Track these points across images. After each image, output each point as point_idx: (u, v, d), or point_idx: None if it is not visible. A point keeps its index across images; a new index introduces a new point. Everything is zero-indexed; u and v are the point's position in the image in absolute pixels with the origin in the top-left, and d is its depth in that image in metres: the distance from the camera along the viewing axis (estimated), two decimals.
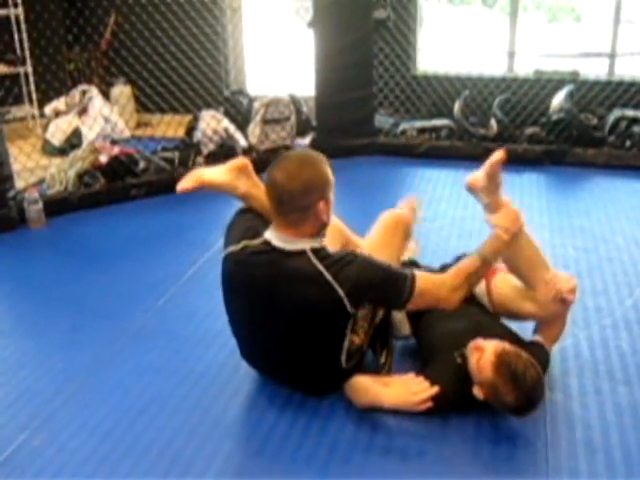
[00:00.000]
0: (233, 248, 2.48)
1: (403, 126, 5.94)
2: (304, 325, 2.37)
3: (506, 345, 2.36)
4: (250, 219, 2.58)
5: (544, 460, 2.27)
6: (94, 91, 6.00)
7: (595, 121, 5.77)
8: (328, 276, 2.27)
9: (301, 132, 5.79)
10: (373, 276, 2.32)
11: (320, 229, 2.36)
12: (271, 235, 2.37)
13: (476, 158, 5.61)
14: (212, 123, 5.24)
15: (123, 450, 2.33)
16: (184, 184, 2.64)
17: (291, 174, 2.26)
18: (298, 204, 2.26)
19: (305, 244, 2.32)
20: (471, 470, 2.25)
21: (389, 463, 2.27)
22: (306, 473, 2.23)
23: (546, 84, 5.96)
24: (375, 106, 5.97)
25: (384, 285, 2.34)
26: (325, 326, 2.37)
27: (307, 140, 5.74)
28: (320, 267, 2.28)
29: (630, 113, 5.70)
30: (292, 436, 2.39)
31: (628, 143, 5.56)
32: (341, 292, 2.27)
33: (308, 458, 2.29)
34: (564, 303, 2.54)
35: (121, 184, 4.83)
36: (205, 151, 5.23)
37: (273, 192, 2.30)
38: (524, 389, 2.26)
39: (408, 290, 2.32)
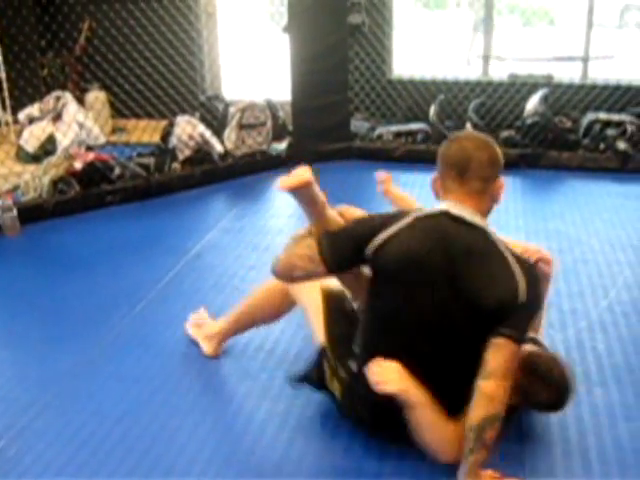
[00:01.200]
0: (398, 226, 2.18)
1: (379, 130, 5.95)
2: (477, 313, 2.11)
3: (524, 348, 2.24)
4: (366, 219, 2.36)
5: (520, 461, 2.28)
6: (68, 97, 5.95)
7: (569, 124, 5.82)
8: (510, 259, 2.12)
9: (277, 137, 5.78)
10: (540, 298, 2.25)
11: (491, 209, 2.26)
12: (448, 205, 2.21)
13: None
14: (187, 128, 5.23)
15: (100, 459, 2.31)
16: (290, 182, 2.35)
17: (480, 144, 2.23)
18: (483, 173, 2.19)
19: (482, 222, 2.20)
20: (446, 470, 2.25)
21: None
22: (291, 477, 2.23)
23: (520, 88, 6.01)
24: (351, 110, 5.98)
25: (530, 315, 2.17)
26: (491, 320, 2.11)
27: (284, 145, 5.73)
28: (501, 247, 2.16)
29: (603, 116, 5.76)
30: (279, 441, 2.39)
31: (602, 146, 5.61)
32: (521, 283, 2.08)
33: (298, 460, 2.30)
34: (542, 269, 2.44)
35: (96, 190, 4.79)
36: (181, 157, 5.21)
37: (460, 158, 2.20)
38: (554, 384, 2.28)
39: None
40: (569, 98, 5.95)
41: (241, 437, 2.43)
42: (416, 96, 6.20)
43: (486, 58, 6.58)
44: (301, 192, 2.30)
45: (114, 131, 6.53)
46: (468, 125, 5.82)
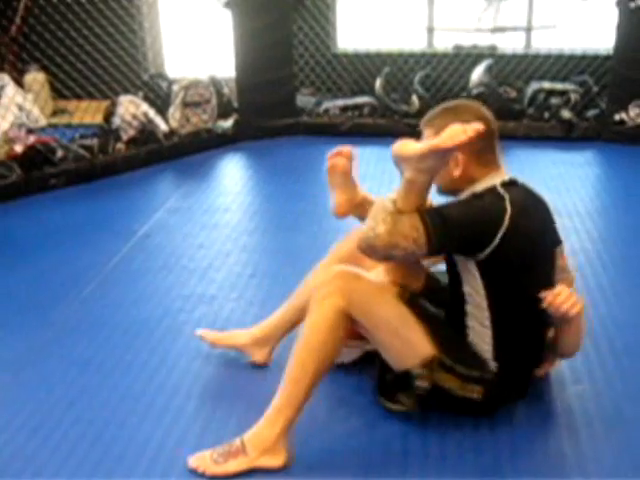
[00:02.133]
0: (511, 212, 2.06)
1: (325, 105, 5.92)
2: None
3: None
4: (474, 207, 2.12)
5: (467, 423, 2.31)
6: (5, 78, 5.79)
7: (514, 94, 5.87)
8: None
9: (223, 114, 5.71)
10: None
11: None
12: (506, 175, 2.18)
13: (399, 134, 5.69)
14: (131, 108, 5.13)
15: (52, 447, 2.26)
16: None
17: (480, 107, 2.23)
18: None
19: None
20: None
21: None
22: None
23: (465, 59, 6.02)
24: (296, 86, 5.94)
25: None
26: None
27: (229, 122, 5.66)
28: None
29: (547, 85, 5.81)
30: (228, 425, 2.36)
31: (546, 115, 5.67)
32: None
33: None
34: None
35: (39, 174, 4.67)
36: (125, 137, 5.11)
37: (493, 128, 2.17)
38: None
39: None
40: (513, 68, 5.99)
41: (194, 418, 2.40)
42: (361, 69, 6.17)
43: (430, 30, 6.58)
44: (443, 155, 1.98)
45: (55, 113, 6.37)
46: (414, 97, 5.82)
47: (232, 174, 5.19)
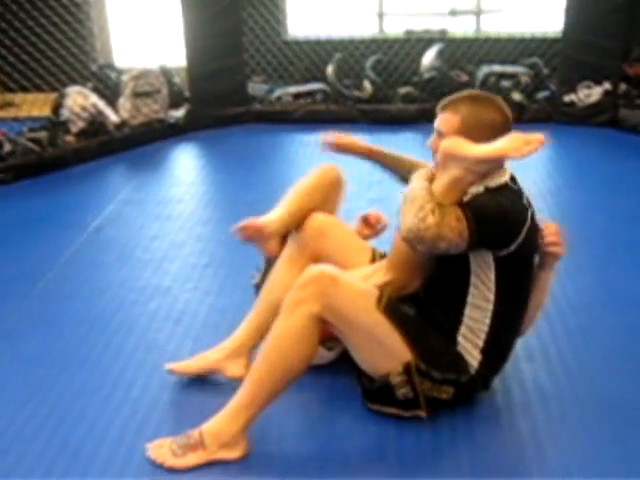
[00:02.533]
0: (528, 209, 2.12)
1: (278, 92, 5.89)
2: None
3: None
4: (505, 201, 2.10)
5: (445, 439, 2.32)
6: None
7: (465, 78, 5.90)
8: None
9: (174, 104, 5.65)
10: None
11: None
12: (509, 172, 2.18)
13: (352, 120, 5.72)
14: (79, 100, 5.04)
15: (4, 446, 2.22)
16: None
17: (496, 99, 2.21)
18: None
19: None
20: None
21: None
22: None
23: (416, 43, 6.03)
24: (248, 74, 5.90)
25: None
26: None
27: (181, 112, 5.61)
28: None
29: (498, 68, 5.85)
30: (187, 416, 2.34)
31: None
32: None
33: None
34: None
35: None
36: (74, 129, 5.03)
37: (506, 118, 2.14)
38: None
39: None
40: (464, 52, 6.02)
41: (151, 410, 2.38)
42: (313, 56, 6.15)
43: (381, 15, 6.57)
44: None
45: (1, 106, 6.25)
46: (366, 83, 5.82)
47: (185, 164, 5.14)
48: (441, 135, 2.14)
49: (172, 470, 2.08)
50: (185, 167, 5.09)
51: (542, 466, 2.08)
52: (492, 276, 2.13)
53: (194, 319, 2.91)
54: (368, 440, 2.21)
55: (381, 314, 2.13)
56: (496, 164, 2.05)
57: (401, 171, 2.65)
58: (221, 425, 2.10)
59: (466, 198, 2.07)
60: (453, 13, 6.60)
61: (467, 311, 2.19)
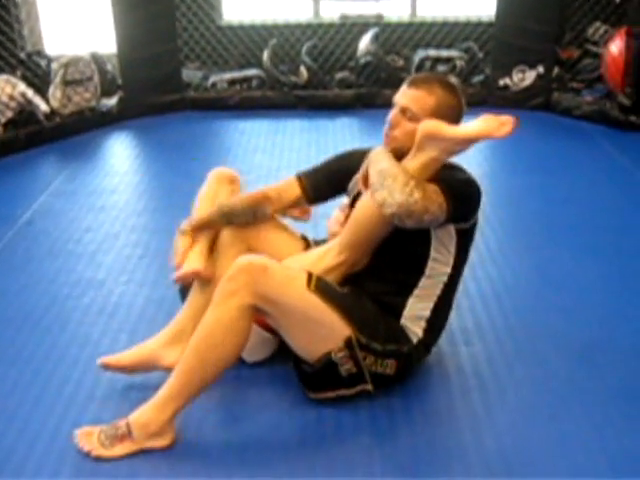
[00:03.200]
0: None
1: (213, 79, 5.81)
2: None
3: None
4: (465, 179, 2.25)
5: (383, 423, 2.31)
6: None
7: (401, 62, 5.91)
8: None
9: (107, 92, 5.52)
10: None
11: None
12: None
13: (289, 106, 5.69)
14: (7, 88, 4.88)
15: None
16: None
17: None
18: None
19: None
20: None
21: None
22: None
23: (351, 28, 6.01)
24: (182, 60, 5.80)
25: None
26: None
27: (114, 100, 5.48)
28: None
29: (433, 53, 5.87)
30: (122, 411, 2.29)
31: None
32: None
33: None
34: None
35: None
36: (3, 119, 4.87)
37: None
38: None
39: None
40: (399, 36, 6.02)
41: (86, 406, 2.32)
42: (248, 42, 6.07)
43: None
44: (474, 142, 2.08)
45: None
46: (302, 68, 5.77)
47: (118, 154, 5.03)
48: (408, 113, 2.16)
49: (99, 459, 2.06)
50: (119, 156, 4.98)
51: (480, 451, 2.09)
52: (452, 248, 2.22)
53: (129, 312, 2.85)
54: (307, 425, 2.20)
55: (313, 294, 2.12)
56: (470, 144, 2.08)
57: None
58: (149, 415, 2.09)
59: None
60: None
61: (420, 283, 2.24)
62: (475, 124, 2.04)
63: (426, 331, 2.27)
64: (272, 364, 2.48)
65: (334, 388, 2.24)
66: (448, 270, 2.25)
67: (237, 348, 2.10)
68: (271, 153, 4.70)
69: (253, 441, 2.16)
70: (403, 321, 2.26)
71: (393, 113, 2.20)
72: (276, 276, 2.09)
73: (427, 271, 2.23)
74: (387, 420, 2.22)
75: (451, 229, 2.18)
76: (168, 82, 5.59)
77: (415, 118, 2.14)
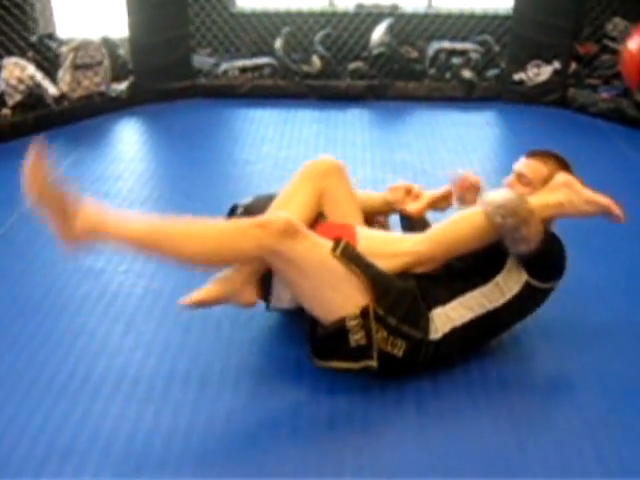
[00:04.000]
0: None
1: (224, 66, 5.76)
2: None
3: None
4: None
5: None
6: None
7: (415, 54, 5.83)
8: None
9: (118, 77, 5.48)
10: None
11: None
12: None
13: (300, 96, 5.63)
14: (16, 71, 4.84)
15: None
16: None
17: None
18: None
19: None
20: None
21: None
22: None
23: (366, 18, 5.93)
24: (193, 46, 5.74)
25: None
26: None
27: (124, 85, 5.44)
28: None
29: (448, 45, 5.79)
30: (114, 399, 2.25)
31: (448, 75, 5.65)
32: None
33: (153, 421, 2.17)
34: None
35: None
36: (11, 102, 4.83)
37: None
38: None
39: None
40: (414, 28, 5.94)
41: (76, 398, 2.28)
42: (260, 29, 6.01)
43: None
44: (593, 213, 2.31)
45: None
46: (315, 58, 5.71)
47: (126, 140, 4.98)
48: (524, 179, 2.37)
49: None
50: (126, 143, 4.93)
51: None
52: (515, 289, 2.29)
53: (126, 302, 2.81)
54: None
55: (336, 259, 2.16)
56: (593, 213, 2.27)
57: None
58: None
59: None
60: None
61: (474, 292, 2.30)
62: (602, 198, 2.25)
63: (446, 336, 2.26)
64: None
65: (340, 358, 2.23)
66: (501, 302, 2.29)
67: (203, 255, 2.20)
68: (279, 143, 4.64)
69: (239, 438, 2.12)
70: (434, 313, 2.26)
71: (510, 178, 2.42)
72: (305, 242, 2.14)
73: (485, 287, 2.30)
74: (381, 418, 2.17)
75: (522, 272, 2.27)
76: (179, 68, 5.54)
77: (529, 183, 2.36)
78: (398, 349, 2.21)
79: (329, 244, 2.18)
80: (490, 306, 2.29)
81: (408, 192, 2.64)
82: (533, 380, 2.37)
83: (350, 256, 2.18)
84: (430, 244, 2.30)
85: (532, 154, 2.43)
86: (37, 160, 2.19)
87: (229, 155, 4.50)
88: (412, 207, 2.61)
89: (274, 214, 2.23)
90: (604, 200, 2.24)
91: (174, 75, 5.51)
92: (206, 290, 2.33)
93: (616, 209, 2.23)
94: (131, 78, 5.50)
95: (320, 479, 1.95)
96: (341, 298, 2.16)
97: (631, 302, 2.81)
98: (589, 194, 2.25)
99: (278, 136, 4.75)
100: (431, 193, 2.66)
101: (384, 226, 2.70)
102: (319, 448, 2.08)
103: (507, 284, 2.29)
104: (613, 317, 2.71)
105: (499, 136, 5.05)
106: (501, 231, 2.20)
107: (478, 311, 2.29)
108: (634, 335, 2.60)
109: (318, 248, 2.17)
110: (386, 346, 2.20)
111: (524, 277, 2.28)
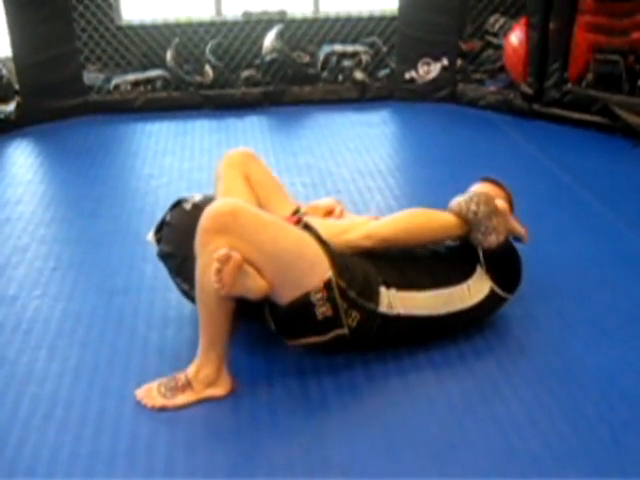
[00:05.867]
0: None
1: (115, 81, 5.64)
2: None
3: None
4: None
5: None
6: None
7: (307, 59, 5.88)
8: None
9: (3, 98, 5.28)
10: None
11: None
12: None
13: (196, 107, 5.58)
14: None
15: None
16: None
17: None
18: None
19: None
20: None
21: None
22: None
23: (256, 25, 5.94)
24: (82, 62, 5.60)
25: None
26: None
27: (11, 106, 5.25)
28: None
29: (338, 48, 5.86)
30: (49, 427, 2.18)
31: (340, 77, 5.74)
32: None
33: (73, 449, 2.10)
34: None
35: None
36: None
37: None
38: None
39: None
40: (304, 32, 5.98)
41: (8, 431, 2.20)
42: (150, 42, 5.92)
43: None
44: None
45: None
46: (207, 68, 5.68)
47: (20, 162, 4.80)
48: None
49: (163, 409, 2.21)
50: (21, 165, 4.75)
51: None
52: (480, 296, 2.46)
53: (46, 327, 2.71)
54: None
55: (297, 229, 2.29)
56: (508, 236, 2.53)
57: None
58: (200, 368, 2.25)
59: None
60: None
61: (439, 291, 2.41)
62: (517, 226, 2.57)
63: (400, 318, 2.34)
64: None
65: (309, 334, 2.27)
66: (467, 305, 2.45)
67: None
68: (181, 155, 4.60)
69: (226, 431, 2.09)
70: (386, 289, 2.32)
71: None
72: (248, 218, 2.15)
73: (455, 288, 2.44)
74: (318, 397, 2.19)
75: (488, 280, 2.47)
76: (68, 86, 5.39)
77: None
78: (352, 320, 2.25)
79: (283, 222, 2.28)
80: (454, 308, 2.43)
81: (329, 213, 2.70)
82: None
83: (314, 232, 2.30)
84: (378, 243, 2.39)
85: (486, 179, 2.77)
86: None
87: (131, 170, 4.42)
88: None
89: (204, 213, 2.18)
90: (520, 230, 2.57)
91: (64, 93, 5.36)
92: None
93: (526, 236, 2.59)
94: (18, 98, 5.32)
95: None
96: (305, 270, 2.19)
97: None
98: (513, 224, 2.54)
99: (179, 148, 4.70)
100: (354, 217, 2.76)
101: None
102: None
103: (475, 289, 2.46)
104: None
105: (396, 134, 5.16)
106: (475, 220, 2.39)
107: (441, 310, 2.41)
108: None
109: (272, 225, 2.19)
110: (347, 319, 2.25)
111: (489, 284, 2.47)
